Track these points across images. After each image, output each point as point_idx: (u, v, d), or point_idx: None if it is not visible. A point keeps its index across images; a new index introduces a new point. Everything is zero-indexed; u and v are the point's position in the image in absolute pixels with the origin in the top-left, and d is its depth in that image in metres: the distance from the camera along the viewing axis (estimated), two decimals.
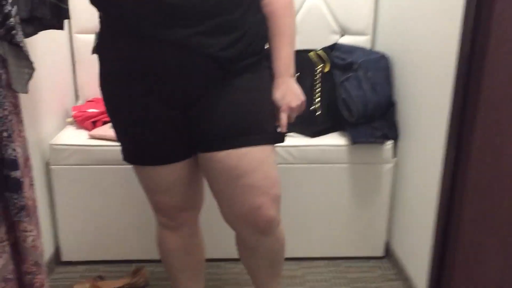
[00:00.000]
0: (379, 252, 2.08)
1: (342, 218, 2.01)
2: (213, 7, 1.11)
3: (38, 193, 1.42)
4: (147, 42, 1.11)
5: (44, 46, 1.78)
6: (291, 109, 1.27)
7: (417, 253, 1.78)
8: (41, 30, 1.42)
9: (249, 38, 1.18)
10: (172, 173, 1.30)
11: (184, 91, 1.18)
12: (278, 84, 1.26)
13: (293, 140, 1.92)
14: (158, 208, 1.40)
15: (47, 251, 1.87)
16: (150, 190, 1.37)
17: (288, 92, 1.26)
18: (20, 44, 1.17)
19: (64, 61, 2.10)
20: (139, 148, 1.28)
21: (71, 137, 1.91)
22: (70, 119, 2.04)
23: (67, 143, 1.86)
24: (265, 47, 1.27)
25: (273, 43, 1.26)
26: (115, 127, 1.32)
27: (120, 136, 1.31)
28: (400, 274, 1.95)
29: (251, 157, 1.19)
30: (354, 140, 1.88)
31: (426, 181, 1.69)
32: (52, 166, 1.87)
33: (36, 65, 1.25)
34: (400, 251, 1.98)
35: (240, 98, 1.20)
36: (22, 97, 1.27)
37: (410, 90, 1.82)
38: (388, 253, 2.09)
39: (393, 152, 1.95)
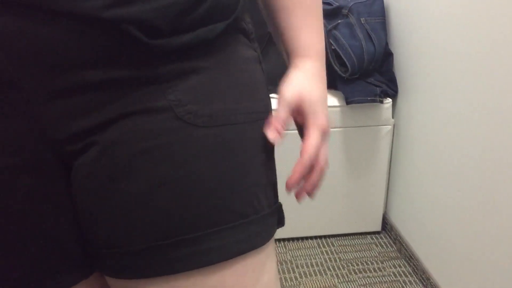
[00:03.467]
0: (377, 226, 1.83)
1: (334, 189, 1.73)
2: None
3: None
4: None
5: None
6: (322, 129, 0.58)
7: (419, 227, 1.54)
8: None
9: None
10: None
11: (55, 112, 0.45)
12: (297, 67, 0.59)
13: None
14: None
15: None
16: None
17: (310, 88, 0.58)
18: None
19: None
20: None
21: None
22: None
23: None
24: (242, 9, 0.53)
25: (280, 21, 0.59)
26: None
27: None
28: (401, 251, 1.71)
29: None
30: (349, 100, 1.58)
31: (428, 144, 1.43)
32: None
33: None
34: (399, 225, 1.74)
35: (195, 140, 0.47)
36: None
37: (409, 38, 1.54)
38: (386, 228, 1.84)
39: (392, 112, 1.68)
